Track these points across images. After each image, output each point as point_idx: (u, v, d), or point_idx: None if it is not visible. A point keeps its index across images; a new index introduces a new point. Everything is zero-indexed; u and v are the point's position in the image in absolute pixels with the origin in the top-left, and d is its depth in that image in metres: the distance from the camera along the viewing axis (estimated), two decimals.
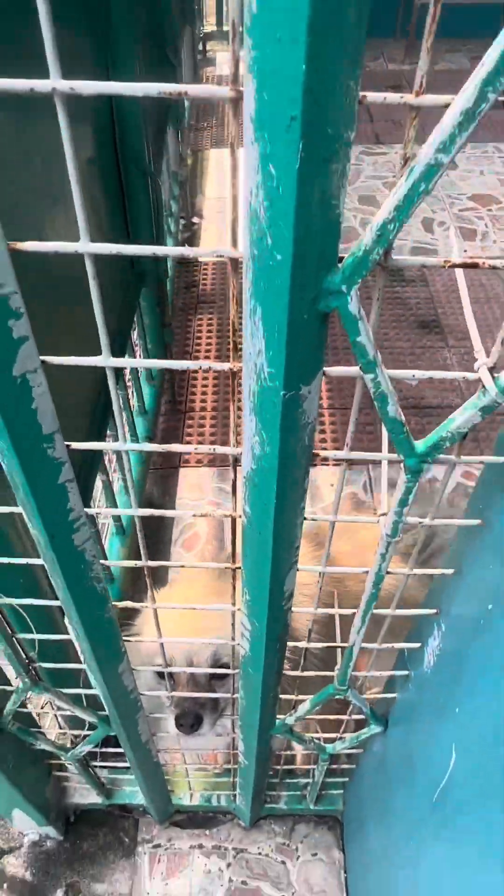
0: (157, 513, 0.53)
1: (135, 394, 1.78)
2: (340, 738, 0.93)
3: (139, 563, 0.57)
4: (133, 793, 1.20)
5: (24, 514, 0.48)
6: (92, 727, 0.90)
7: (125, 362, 0.43)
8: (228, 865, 1.19)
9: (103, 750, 1.02)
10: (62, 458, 0.44)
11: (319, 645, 0.70)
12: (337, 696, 0.76)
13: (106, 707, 0.77)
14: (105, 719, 0.84)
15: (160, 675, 0.91)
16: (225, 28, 4.94)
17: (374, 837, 0.97)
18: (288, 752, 1.07)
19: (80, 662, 0.78)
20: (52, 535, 0.49)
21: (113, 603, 0.61)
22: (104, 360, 0.40)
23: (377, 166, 3.35)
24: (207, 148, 3.59)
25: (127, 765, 1.00)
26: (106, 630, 0.62)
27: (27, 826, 1.18)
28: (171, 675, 0.77)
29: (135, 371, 1.77)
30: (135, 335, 1.75)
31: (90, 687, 0.77)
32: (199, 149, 3.57)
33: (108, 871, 1.20)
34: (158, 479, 1.85)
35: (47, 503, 0.46)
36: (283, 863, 1.20)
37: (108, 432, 1.43)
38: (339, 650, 0.75)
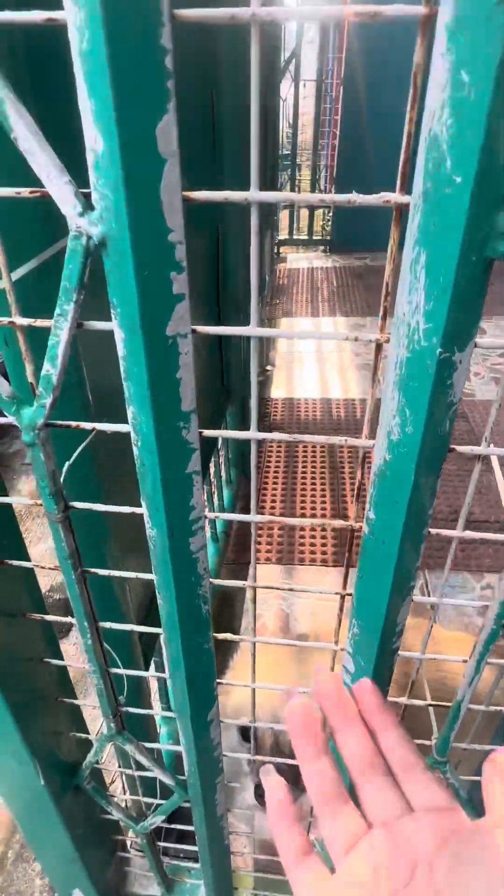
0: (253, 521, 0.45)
1: (217, 493, 1.72)
2: None
3: (246, 584, 0.48)
4: (195, 888, 0.98)
5: (145, 508, 0.41)
6: (165, 794, 0.74)
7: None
8: None
9: (170, 826, 0.84)
10: (194, 444, 0.38)
11: (420, 703, 0.56)
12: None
13: (186, 763, 0.64)
14: (182, 784, 0.69)
15: (244, 738, 0.76)
16: (295, 236, 5.46)
17: None
18: None
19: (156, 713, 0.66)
20: (172, 533, 0.41)
21: (214, 634, 0.51)
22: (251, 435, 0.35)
23: None
24: (280, 317, 3.82)
25: (192, 848, 0.81)
26: (204, 663, 0.52)
27: None
28: (255, 737, 0.63)
29: (217, 473, 1.74)
30: (219, 444, 1.73)
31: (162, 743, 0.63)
32: (273, 318, 3.80)
33: None
34: (230, 573, 1.74)
35: (172, 493, 0.39)
36: None
37: None
38: (432, 717, 0.61)
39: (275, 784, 0.42)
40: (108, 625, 0.53)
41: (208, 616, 0.49)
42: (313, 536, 1.90)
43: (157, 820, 0.76)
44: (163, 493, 0.39)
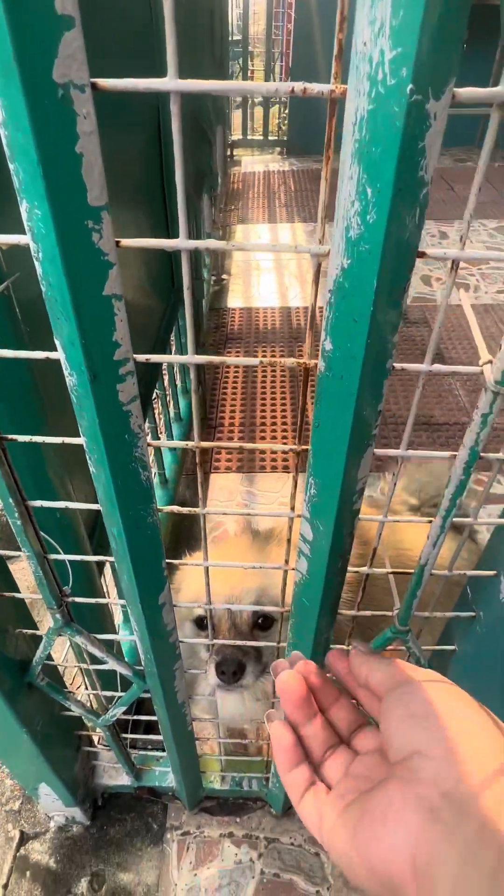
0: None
1: (172, 402, 1.65)
2: None
3: (190, 445, 0.43)
4: (163, 774, 1.00)
5: (59, 347, 0.34)
6: (125, 686, 0.73)
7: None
8: (260, 856, 0.98)
9: (135, 717, 0.84)
10: (110, 256, 0.31)
11: (382, 571, 0.54)
12: (394, 642, 0.59)
13: (141, 651, 0.61)
14: (139, 674, 0.67)
15: (199, 627, 0.74)
16: (249, 137, 5.09)
17: None
18: None
19: (111, 611, 0.62)
20: (94, 376, 0.35)
21: (158, 507, 0.46)
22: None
23: None
24: (235, 224, 3.61)
25: (158, 738, 0.81)
26: (150, 539, 0.47)
27: (53, 807, 0.98)
28: (211, 619, 0.60)
29: (173, 383, 1.65)
30: (173, 351, 1.64)
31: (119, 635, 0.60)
32: (227, 224, 3.59)
33: (134, 860, 0.99)
34: (191, 483, 1.70)
35: (88, 322, 0.32)
36: (317, 854, 0.98)
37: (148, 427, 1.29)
38: (393, 587, 0.59)
39: (280, 731, 0.42)
40: (38, 503, 0.47)
41: (150, 485, 0.44)
42: (274, 440, 1.87)
43: (117, 712, 0.74)
44: (76, 321, 0.32)
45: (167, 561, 0.52)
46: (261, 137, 5.11)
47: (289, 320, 2.58)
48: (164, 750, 0.89)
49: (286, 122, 5.02)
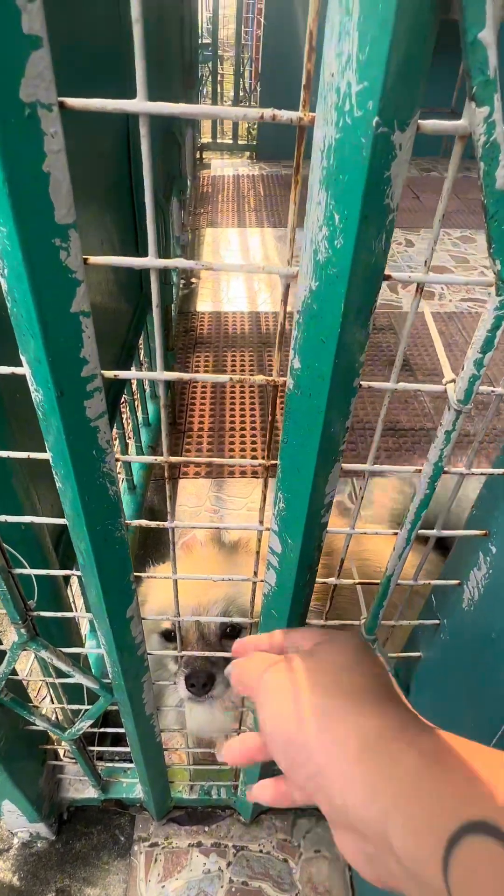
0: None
1: (140, 407, 1.64)
2: None
3: (159, 460, 0.43)
4: (131, 786, 0.99)
5: (25, 364, 0.34)
6: (92, 699, 0.72)
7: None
8: (229, 864, 0.98)
9: (102, 730, 0.82)
10: (77, 273, 0.30)
11: (349, 581, 0.54)
12: None
13: (109, 664, 0.60)
14: (107, 687, 0.66)
15: (166, 639, 0.74)
16: (218, 140, 5.09)
17: None
18: None
19: (77, 621, 0.61)
20: (61, 392, 0.34)
21: (126, 521, 0.46)
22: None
23: None
24: (204, 227, 3.60)
25: (126, 750, 0.80)
26: (117, 553, 0.47)
27: (17, 824, 0.96)
28: (180, 631, 0.60)
29: (141, 388, 1.64)
30: (142, 355, 1.62)
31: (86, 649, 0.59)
32: (197, 227, 3.58)
33: (100, 874, 0.97)
34: (159, 489, 1.69)
35: (56, 338, 0.32)
36: (286, 861, 0.98)
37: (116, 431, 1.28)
38: (360, 597, 0.60)
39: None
40: (2, 518, 0.46)
41: (118, 499, 0.43)
42: (243, 448, 1.87)
43: (83, 725, 0.73)
44: (42, 339, 0.32)
45: (135, 574, 0.52)
46: (230, 141, 5.12)
47: (258, 325, 2.59)
48: (131, 762, 0.88)
49: (256, 126, 5.03)
